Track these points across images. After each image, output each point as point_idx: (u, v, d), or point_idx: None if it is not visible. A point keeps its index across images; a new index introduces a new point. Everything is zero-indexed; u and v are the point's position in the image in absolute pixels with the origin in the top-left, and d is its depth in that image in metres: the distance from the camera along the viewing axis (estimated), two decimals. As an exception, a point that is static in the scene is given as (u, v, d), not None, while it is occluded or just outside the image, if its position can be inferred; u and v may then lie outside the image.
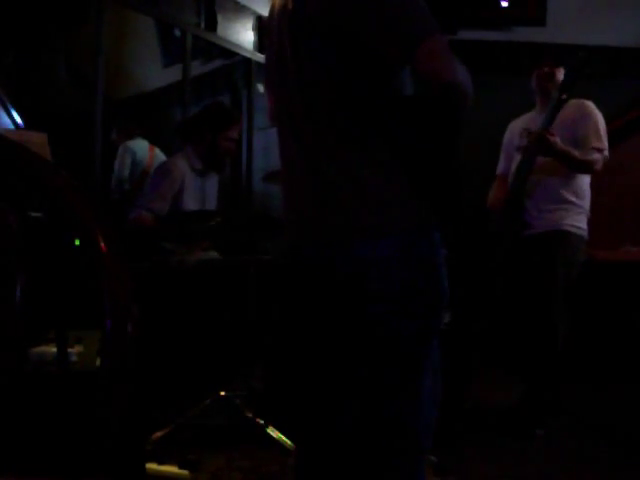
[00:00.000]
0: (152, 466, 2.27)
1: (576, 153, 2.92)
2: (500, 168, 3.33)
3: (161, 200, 3.01)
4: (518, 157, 3.13)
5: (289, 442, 2.49)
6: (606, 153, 2.98)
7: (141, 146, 4.59)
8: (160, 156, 4.61)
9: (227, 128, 3.12)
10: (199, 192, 3.18)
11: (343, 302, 1.29)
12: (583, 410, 3.33)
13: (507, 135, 3.34)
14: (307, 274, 1.36)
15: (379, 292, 1.25)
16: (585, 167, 2.97)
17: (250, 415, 2.62)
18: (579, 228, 3.03)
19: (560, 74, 3.07)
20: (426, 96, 1.27)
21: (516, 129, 3.25)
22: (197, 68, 5.20)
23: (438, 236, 1.31)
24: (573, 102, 2.99)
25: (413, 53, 1.20)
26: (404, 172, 1.29)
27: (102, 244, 0.63)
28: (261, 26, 5.02)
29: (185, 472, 2.31)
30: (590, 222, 3.11)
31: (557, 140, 2.87)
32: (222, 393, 2.67)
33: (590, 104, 3.06)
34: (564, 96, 2.88)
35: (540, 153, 2.93)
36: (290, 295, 1.44)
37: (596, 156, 2.95)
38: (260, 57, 5.12)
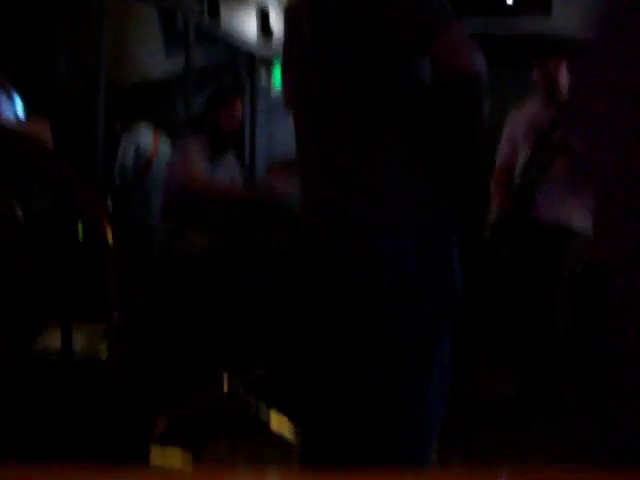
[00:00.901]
0: (156, 450, 2.28)
1: None
2: (503, 160, 3.30)
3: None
4: (525, 152, 3.12)
5: (292, 429, 2.50)
6: None
7: (145, 134, 4.56)
8: (164, 145, 4.58)
9: (227, 104, 3.20)
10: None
11: (356, 293, 1.29)
12: (585, 404, 3.34)
13: (509, 126, 3.31)
14: (322, 263, 1.37)
15: (392, 285, 1.26)
16: None
17: (254, 401, 2.63)
18: (586, 226, 3.04)
19: (564, 67, 3.06)
20: (446, 87, 1.26)
21: (520, 122, 3.22)
22: (200, 58, 5.19)
23: (454, 234, 1.31)
24: None
25: (430, 43, 1.20)
26: (424, 167, 1.29)
27: (108, 236, 0.63)
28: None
29: (188, 456, 2.33)
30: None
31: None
32: (225, 382, 2.68)
33: None
34: None
35: (562, 153, 2.93)
36: (304, 282, 1.45)
37: None
38: (263, 48, 5.10)
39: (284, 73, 1.54)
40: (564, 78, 3.05)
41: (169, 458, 2.30)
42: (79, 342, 2.23)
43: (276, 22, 4.77)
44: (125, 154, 4.44)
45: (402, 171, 1.28)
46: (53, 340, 2.00)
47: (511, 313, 3.29)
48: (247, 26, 4.99)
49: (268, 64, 5.26)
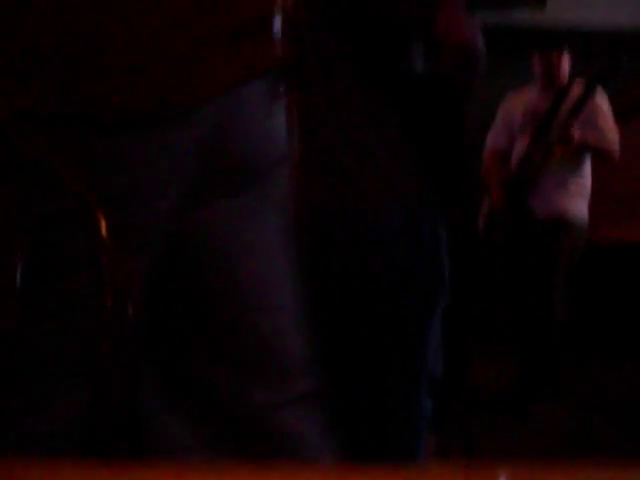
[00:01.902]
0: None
1: (598, 145, 2.96)
2: (499, 143, 3.26)
3: None
4: (522, 140, 3.11)
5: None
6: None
7: None
8: None
9: None
10: None
11: (342, 279, 1.29)
12: (585, 391, 3.35)
13: (505, 109, 3.28)
14: (308, 251, 1.36)
15: (380, 267, 1.26)
16: (607, 157, 3.02)
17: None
18: (582, 216, 3.07)
19: (566, 61, 3.08)
20: (438, 75, 1.25)
21: (517, 107, 3.21)
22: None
23: (441, 216, 1.31)
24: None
25: (432, 20, 1.18)
26: (411, 149, 1.28)
27: (103, 228, 0.63)
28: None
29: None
30: (594, 205, 3.12)
31: (581, 136, 2.90)
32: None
33: (603, 97, 3.07)
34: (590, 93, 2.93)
35: (563, 145, 2.95)
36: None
37: (616, 147, 2.99)
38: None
39: None
40: (565, 66, 3.08)
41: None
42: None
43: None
44: None
45: (390, 153, 1.27)
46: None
47: (509, 303, 3.29)
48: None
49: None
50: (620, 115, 3.42)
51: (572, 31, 4.49)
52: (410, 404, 1.30)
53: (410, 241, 1.27)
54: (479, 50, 1.20)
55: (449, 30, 1.19)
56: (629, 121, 4.19)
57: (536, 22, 4.55)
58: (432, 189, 1.30)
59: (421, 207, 1.29)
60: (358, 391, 1.31)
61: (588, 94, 2.93)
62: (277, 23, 0.76)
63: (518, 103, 3.22)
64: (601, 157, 3.03)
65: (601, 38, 4.50)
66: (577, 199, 3.06)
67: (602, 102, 3.07)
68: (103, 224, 0.63)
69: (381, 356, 1.29)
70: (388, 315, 1.28)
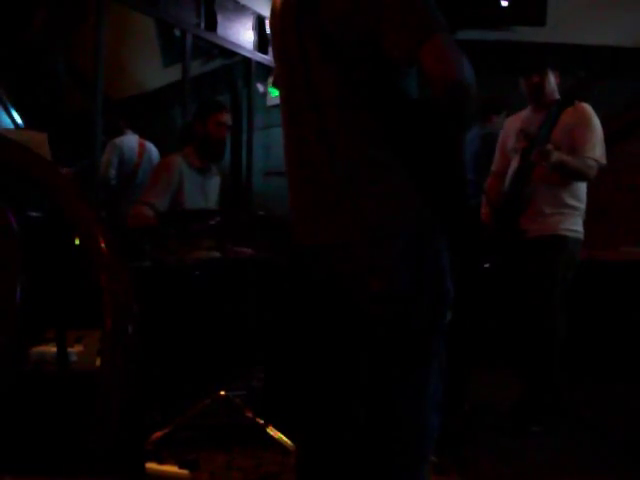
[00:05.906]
0: (152, 466, 2.26)
1: (573, 163, 2.96)
2: (495, 166, 3.34)
3: (161, 195, 3.02)
4: (515, 159, 3.14)
5: (289, 442, 2.49)
6: (602, 161, 3.01)
7: (130, 143, 4.48)
8: (151, 150, 4.52)
9: (214, 114, 3.20)
10: (200, 190, 3.20)
11: (347, 302, 1.29)
12: (583, 410, 3.33)
13: (503, 133, 3.35)
14: (311, 273, 1.36)
15: (383, 293, 1.25)
16: (580, 176, 3.02)
17: (250, 415, 2.61)
18: (576, 231, 3.06)
19: (549, 79, 3.11)
20: (431, 99, 1.26)
21: (512, 129, 3.26)
22: (197, 68, 5.20)
23: (443, 239, 1.31)
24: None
25: (417, 51, 1.19)
26: (410, 174, 1.28)
27: (102, 243, 0.63)
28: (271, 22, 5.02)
29: (185, 472, 2.31)
30: (588, 223, 3.12)
31: (555, 154, 2.90)
32: (222, 393, 2.67)
33: (587, 108, 3.06)
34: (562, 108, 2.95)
35: (540, 164, 2.96)
36: (294, 295, 1.44)
37: (591, 163, 2.99)
38: (260, 57, 5.12)
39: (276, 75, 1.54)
40: (551, 85, 3.11)
41: (165, 474, 2.28)
42: (80, 350, 2.21)
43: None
44: (107, 163, 4.36)
45: (390, 179, 1.27)
46: (49, 349, 1.99)
47: (508, 320, 3.28)
48: (244, 36, 5.00)
49: (265, 73, 5.28)
50: (616, 134, 3.43)
51: (571, 48, 4.52)
52: (417, 419, 1.29)
53: (412, 264, 1.26)
54: (460, 80, 1.20)
55: (430, 60, 1.19)
56: (622, 141, 4.21)
57: (535, 39, 4.59)
58: (434, 213, 1.30)
59: (423, 232, 1.29)
60: (364, 405, 1.30)
61: (561, 110, 2.96)
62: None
63: (514, 125, 3.26)
64: (576, 177, 3.03)
65: (600, 55, 4.54)
66: (570, 217, 3.06)
67: (587, 110, 3.07)
68: (102, 240, 0.63)
69: (387, 373, 1.28)
70: (391, 337, 1.27)
